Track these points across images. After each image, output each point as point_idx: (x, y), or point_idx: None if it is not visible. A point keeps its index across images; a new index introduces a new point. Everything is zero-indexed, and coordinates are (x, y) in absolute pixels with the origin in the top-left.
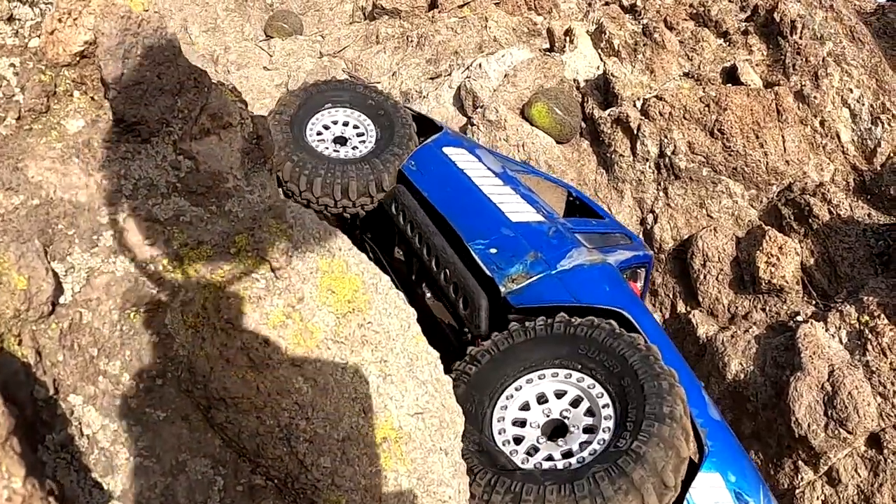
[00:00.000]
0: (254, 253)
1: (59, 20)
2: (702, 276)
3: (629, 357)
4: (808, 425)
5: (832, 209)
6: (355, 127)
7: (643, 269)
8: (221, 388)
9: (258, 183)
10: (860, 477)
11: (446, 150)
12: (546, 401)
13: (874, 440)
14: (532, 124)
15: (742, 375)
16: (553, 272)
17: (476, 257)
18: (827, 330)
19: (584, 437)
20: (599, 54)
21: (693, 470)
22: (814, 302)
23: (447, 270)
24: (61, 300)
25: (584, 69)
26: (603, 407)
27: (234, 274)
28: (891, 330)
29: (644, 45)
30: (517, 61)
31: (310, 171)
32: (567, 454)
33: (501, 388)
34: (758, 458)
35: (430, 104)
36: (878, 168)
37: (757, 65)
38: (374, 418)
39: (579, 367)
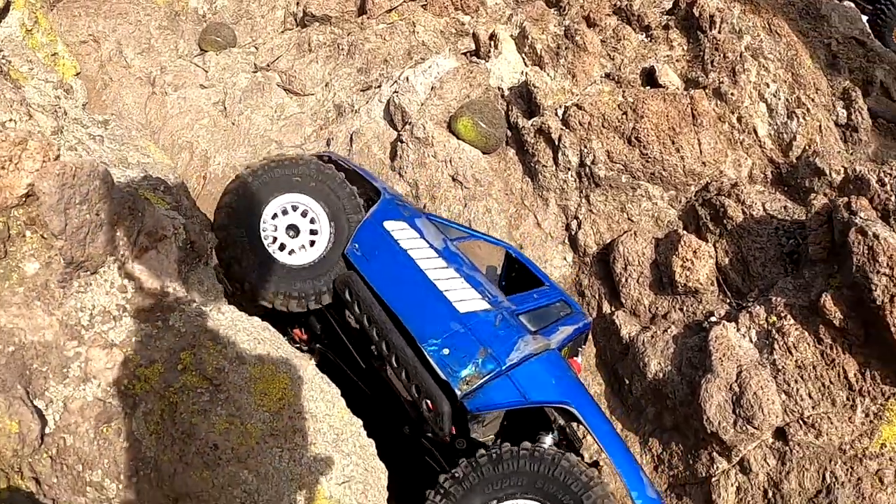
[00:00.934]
0: (197, 371)
1: (2, 167)
2: (623, 279)
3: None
4: (719, 423)
5: (745, 209)
6: (311, 220)
7: (584, 339)
8: (183, 484)
9: (197, 280)
10: (769, 466)
11: (387, 224)
12: None
13: (780, 433)
14: (459, 138)
15: (661, 374)
16: (503, 368)
17: (431, 361)
18: (738, 330)
19: None
20: (523, 59)
21: None
22: (728, 301)
23: (407, 371)
24: (46, 430)
25: (509, 75)
26: None
27: (182, 389)
28: (796, 329)
29: (566, 48)
30: (443, 72)
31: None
32: None
33: None
34: (678, 449)
35: (362, 119)
36: (794, 160)
37: (677, 60)
38: (309, 493)
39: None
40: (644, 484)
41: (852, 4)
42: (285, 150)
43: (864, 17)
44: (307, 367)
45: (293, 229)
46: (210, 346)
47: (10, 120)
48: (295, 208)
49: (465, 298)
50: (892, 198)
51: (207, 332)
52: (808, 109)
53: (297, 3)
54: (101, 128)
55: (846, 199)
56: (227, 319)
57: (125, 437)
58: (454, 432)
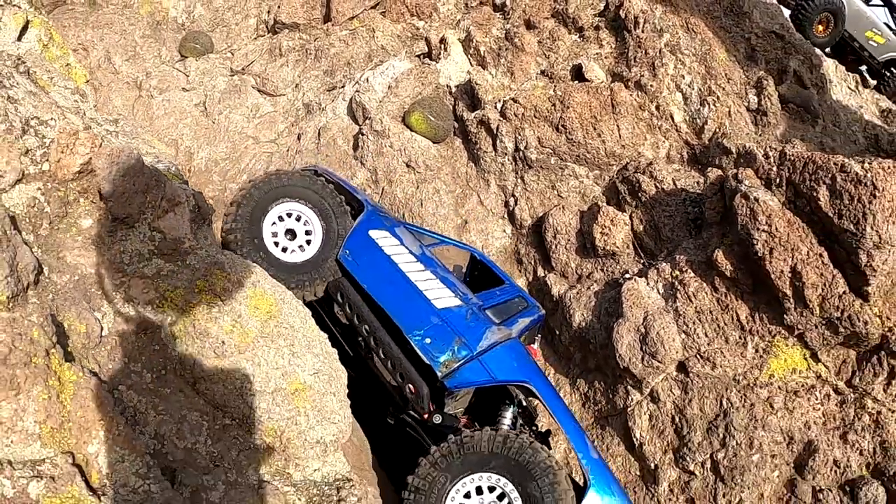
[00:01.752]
0: (209, 292)
1: (62, 151)
2: (554, 246)
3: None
4: (629, 359)
5: (657, 184)
6: (305, 223)
7: (539, 329)
8: (200, 371)
9: (203, 236)
10: (675, 395)
11: (372, 234)
12: (481, 493)
13: (682, 367)
14: (412, 130)
15: (584, 324)
16: (475, 353)
17: (416, 349)
18: (647, 283)
19: None
20: (469, 60)
21: (581, 495)
22: (641, 261)
23: (392, 362)
24: (103, 333)
25: (456, 74)
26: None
27: (199, 303)
28: (695, 281)
29: (506, 49)
30: (398, 73)
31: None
32: None
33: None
34: (600, 386)
35: (328, 115)
36: (706, 142)
37: (605, 57)
38: (289, 378)
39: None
40: (588, 447)
41: (775, 1)
42: (261, 146)
43: (787, 12)
44: (287, 293)
45: (291, 233)
46: (218, 274)
47: (52, 118)
48: (290, 215)
49: (441, 296)
50: (775, 168)
51: (216, 265)
52: (718, 97)
53: (268, 12)
54: (114, 125)
55: (735, 170)
56: (228, 259)
57: (157, 341)
58: (432, 409)
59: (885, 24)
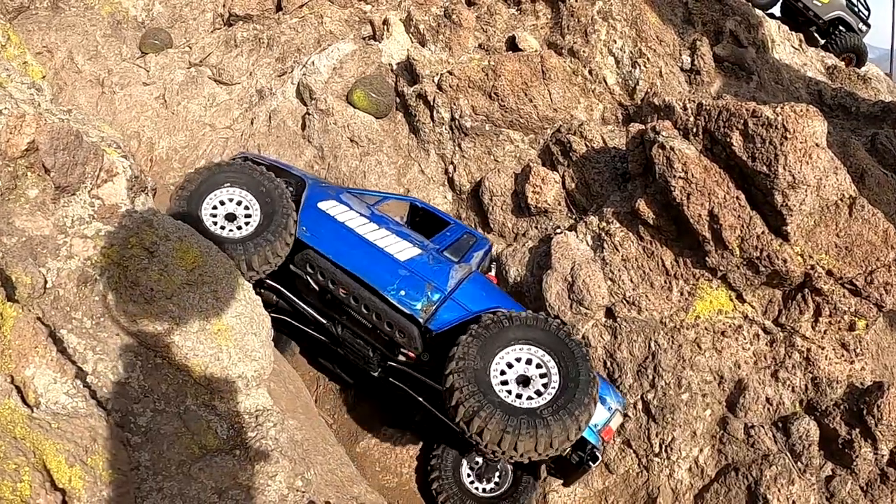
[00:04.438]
0: (140, 246)
1: (10, 133)
2: (491, 208)
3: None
4: (558, 307)
5: (588, 143)
6: (245, 207)
7: (491, 258)
8: (133, 316)
9: (141, 203)
10: (605, 340)
11: (321, 205)
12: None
13: (610, 313)
14: (355, 107)
15: (519, 278)
16: (447, 293)
17: (394, 302)
18: (577, 236)
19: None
20: (410, 38)
21: None
22: (573, 217)
23: (377, 314)
24: (47, 285)
25: (398, 53)
26: (554, 378)
27: (131, 257)
28: (621, 231)
29: (445, 26)
30: (343, 54)
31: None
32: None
33: (499, 350)
34: None
35: (279, 99)
36: (639, 102)
37: (542, 28)
38: (213, 319)
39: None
40: None
41: None
42: (217, 132)
43: None
44: (213, 247)
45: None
46: (147, 230)
47: (5, 108)
48: (231, 200)
49: (401, 249)
50: (692, 119)
51: (145, 223)
52: (649, 59)
53: (224, 5)
54: (67, 115)
55: (653, 123)
56: (158, 218)
57: (96, 293)
58: (421, 348)
59: None
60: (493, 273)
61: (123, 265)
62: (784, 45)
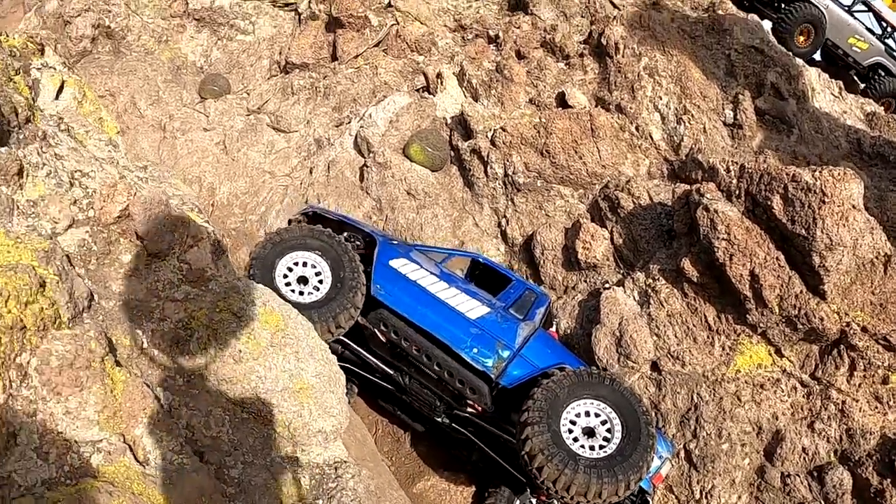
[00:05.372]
0: (228, 311)
1: (104, 200)
2: (542, 261)
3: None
4: (606, 360)
5: (635, 200)
6: (317, 272)
7: (551, 313)
8: (222, 375)
9: (223, 265)
10: (650, 392)
11: (393, 263)
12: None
13: (655, 366)
14: (411, 161)
15: (569, 331)
16: (515, 350)
17: (468, 360)
18: (624, 292)
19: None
20: (463, 92)
21: None
22: (620, 271)
23: (450, 371)
24: (143, 346)
25: (452, 107)
26: (617, 429)
27: (220, 321)
28: (666, 287)
29: (497, 81)
30: (399, 107)
31: None
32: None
33: (568, 404)
34: None
35: (337, 150)
36: (683, 158)
37: (590, 83)
38: (295, 379)
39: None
40: None
41: (756, 17)
42: (277, 180)
43: (769, 25)
44: (293, 310)
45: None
46: (235, 296)
47: (91, 170)
48: (303, 264)
49: (471, 307)
50: (735, 181)
51: (233, 289)
52: (692, 115)
53: (280, 53)
54: (143, 171)
55: (697, 185)
56: (243, 283)
57: (186, 353)
58: (489, 402)
59: (868, 28)
60: (553, 329)
61: (213, 328)
62: (824, 92)
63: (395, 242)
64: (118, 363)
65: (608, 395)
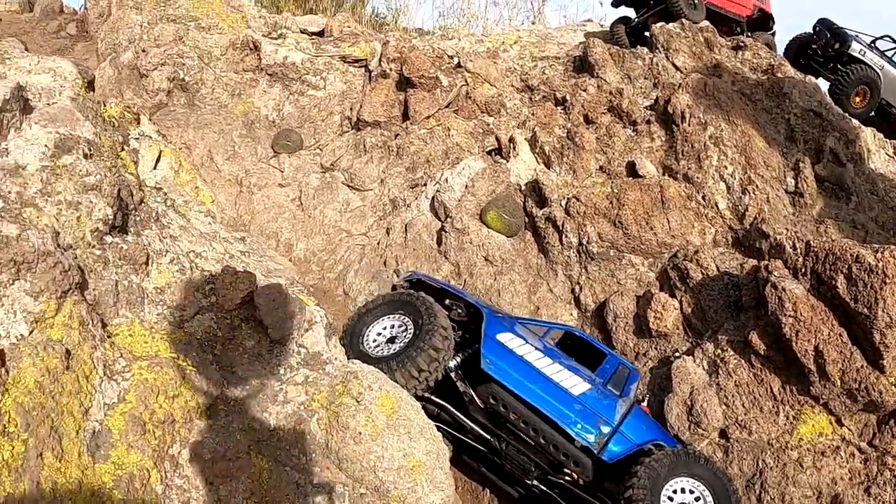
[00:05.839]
0: (349, 395)
1: (226, 289)
2: (614, 328)
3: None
4: (678, 427)
5: (703, 270)
6: (401, 327)
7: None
8: (343, 454)
9: (334, 345)
10: (718, 457)
11: (500, 338)
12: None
13: (723, 433)
14: (488, 227)
15: (640, 395)
16: (615, 427)
17: (572, 435)
18: (694, 361)
19: None
20: (535, 158)
21: None
22: (689, 340)
23: (555, 445)
24: (271, 427)
25: (525, 173)
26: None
27: (340, 404)
28: (734, 359)
29: (568, 148)
30: (474, 172)
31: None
32: None
33: (667, 481)
34: None
35: (413, 212)
36: (748, 227)
37: (656, 151)
38: (409, 457)
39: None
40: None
41: (813, 79)
42: (353, 238)
43: (827, 86)
44: (404, 392)
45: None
46: (354, 381)
47: (203, 250)
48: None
49: (574, 384)
50: (801, 259)
51: (351, 373)
52: (757, 185)
53: (351, 109)
54: (242, 243)
55: (766, 261)
56: (359, 367)
57: (308, 431)
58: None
59: None
60: (645, 403)
61: (334, 411)
62: (879, 153)
63: (500, 315)
64: (260, 451)
65: (703, 473)
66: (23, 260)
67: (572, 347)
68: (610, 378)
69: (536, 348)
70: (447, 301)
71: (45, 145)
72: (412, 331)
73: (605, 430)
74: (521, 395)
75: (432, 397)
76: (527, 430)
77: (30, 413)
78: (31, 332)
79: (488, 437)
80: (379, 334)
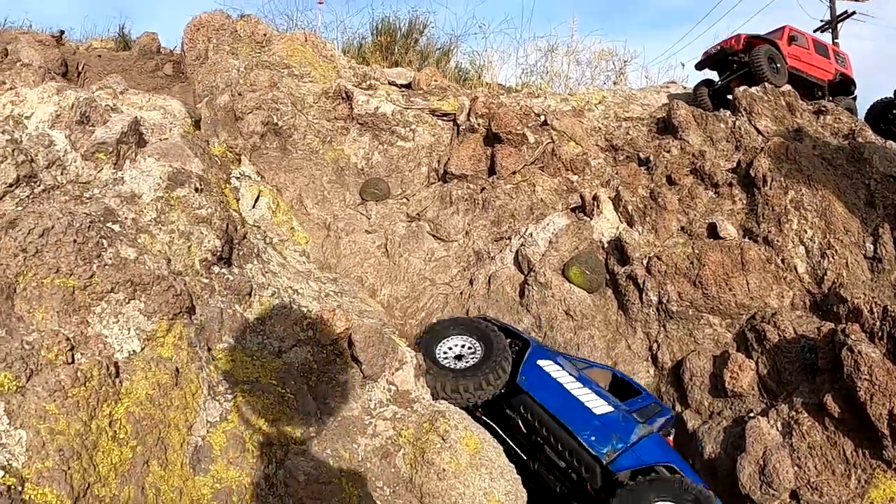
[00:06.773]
0: (434, 433)
1: (323, 324)
2: (690, 386)
3: None
4: (749, 487)
5: (780, 333)
6: (469, 348)
7: (671, 425)
8: (426, 489)
9: (422, 385)
10: None
11: (540, 363)
12: None
13: (794, 494)
14: (570, 282)
15: (713, 455)
16: (628, 445)
17: (585, 445)
18: (768, 422)
19: None
20: (619, 217)
21: None
22: (764, 401)
23: (570, 452)
24: (359, 458)
25: (608, 231)
26: None
27: (426, 441)
28: (808, 421)
29: (651, 208)
30: (558, 228)
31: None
32: None
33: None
34: None
35: (497, 265)
36: (826, 291)
37: (737, 213)
38: (489, 496)
39: None
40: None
41: (894, 144)
42: (437, 287)
43: None
44: (486, 434)
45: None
46: (441, 420)
47: (300, 287)
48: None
49: (598, 405)
50: (878, 323)
51: (438, 412)
52: (836, 250)
53: (438, 161)
54: (334, 284)
55: (843, 325)
56: (445, 407)
57: (393, 465)
58: (600, 483)
59: None
60: (671, 438)
61: (420, 447)
62: None
63: (546, 348)
64: (350, 479)
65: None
66: (139, 282)
67: (619, 389)
68: (638, 409)
69: (570, 374)
70: (508, 340)
71: (160, 177)
72: (482, 352)
73: (619, 446)
74: (545, 405)
75: (483, 416)
76: (548, 439)
77: (140, 423)
78: (142, 349)
79: (525, 457)
80: (450, 349)
